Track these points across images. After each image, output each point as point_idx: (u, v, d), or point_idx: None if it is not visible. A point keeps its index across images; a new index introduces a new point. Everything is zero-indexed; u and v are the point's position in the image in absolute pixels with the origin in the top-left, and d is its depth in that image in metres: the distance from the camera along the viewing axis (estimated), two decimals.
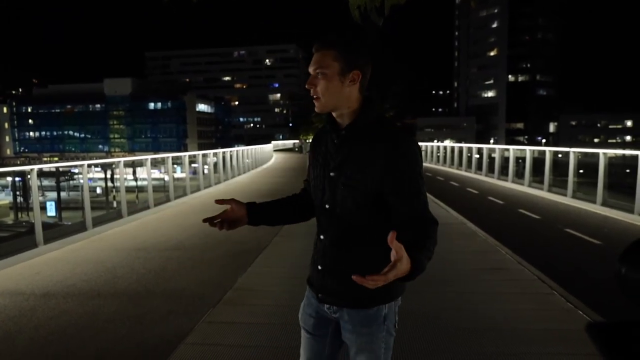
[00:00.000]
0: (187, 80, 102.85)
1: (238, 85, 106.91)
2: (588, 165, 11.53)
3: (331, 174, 1.42)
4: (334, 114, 1.44)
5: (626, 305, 0.41)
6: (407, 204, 1.32)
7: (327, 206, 1.44)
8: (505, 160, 16.45)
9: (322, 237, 1.47)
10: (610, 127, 75.32)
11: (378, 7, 2.04)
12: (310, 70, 1.39)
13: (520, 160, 15.43)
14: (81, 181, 8.65)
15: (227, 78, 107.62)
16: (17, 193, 29.17)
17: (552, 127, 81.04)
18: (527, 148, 14.44)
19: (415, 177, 1.33)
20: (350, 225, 1.41)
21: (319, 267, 1.47)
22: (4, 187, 35.75)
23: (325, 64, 1.36)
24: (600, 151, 10.16)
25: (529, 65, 79.95)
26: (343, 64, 1.36)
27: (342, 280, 1.37)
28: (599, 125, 76.02)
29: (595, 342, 0.34)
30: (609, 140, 71.72)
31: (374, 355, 1.46)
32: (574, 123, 76.45)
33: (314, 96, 1.40)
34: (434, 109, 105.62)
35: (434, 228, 1.29)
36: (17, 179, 27.90)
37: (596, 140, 72.96)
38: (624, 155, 14.20)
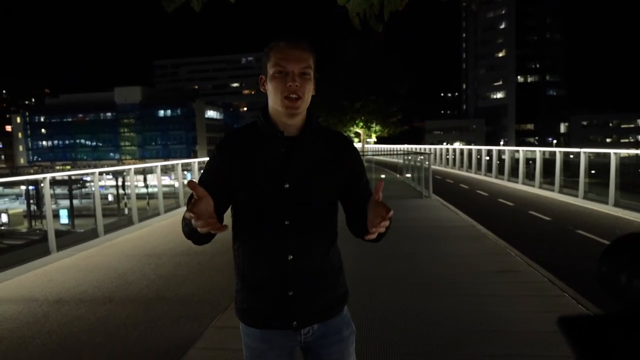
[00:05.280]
0: (196, 87, 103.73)
1: (246, 92, 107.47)
2: (600, 165, 11.40)
3: (286, 185, 1.29)
4: (284, 119, 1.31)
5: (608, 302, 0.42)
6: (365, 190, 1.42)
7: (286, 222, 1.30)
8: (516, 161, 16.33)
9: (290, 257, 1.30)
10: (623, 126, 74.34)
11: (377, 13, 2.06)
12: (294, 68, 1.27)
13: (530, 162, 15.31)
14: (93, 189, 8.77)
15: (235, 84, 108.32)
16: (31, 201, 29.63)
17: (562, 128, 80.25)
18: (537, 149, 14.32)
19: (364, 169, 1.48)
20: (317, 232, 1.36)
21: (290, 294, 1.32)
22: (18, 196, 36.33)
23: (310, 64, 1.30)
24: (612, 151, 10.04)
25: (538, 66, 79.37)
26: (315, 70, 1.34)
27: (322, 292, 1.37)
28: (610, 125, 75.09)
29: (567, 337, 0.34)
30: (621, 140, 70.75)
31: (354, 357, 1.49)
32: (585, 123, 75.62)
33: (296, 95, 1.28)
34: (442, 112, 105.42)
35: None
36: (30, 187, 28.37)
37: (608, 140, 72.05)
38: (637, 155, 14.03)
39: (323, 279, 1.37)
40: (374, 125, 33.75)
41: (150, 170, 13.44)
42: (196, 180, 1.25)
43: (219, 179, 1.31)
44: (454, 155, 25.17)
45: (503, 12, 78.39)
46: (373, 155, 29.27)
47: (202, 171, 1.40)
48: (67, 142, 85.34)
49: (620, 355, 0.33)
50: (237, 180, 1.30)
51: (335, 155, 1.37)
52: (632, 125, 74.18)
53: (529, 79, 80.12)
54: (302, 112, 1.32)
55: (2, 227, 27.01)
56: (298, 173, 1.30)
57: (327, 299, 1.38)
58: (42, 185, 6.76)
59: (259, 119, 1.35)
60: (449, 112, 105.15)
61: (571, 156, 13.03)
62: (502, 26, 79.05)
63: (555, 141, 73.48)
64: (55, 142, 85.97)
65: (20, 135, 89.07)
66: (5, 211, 28.89)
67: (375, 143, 41.54)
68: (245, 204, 1.32)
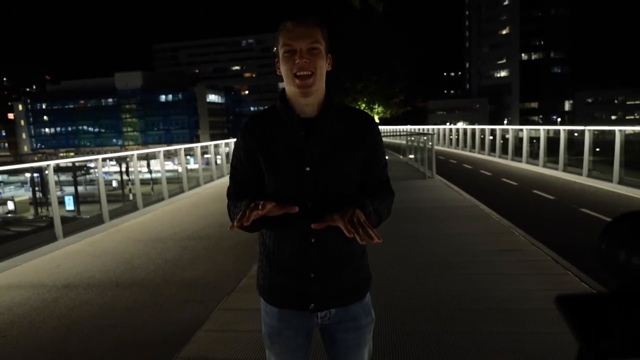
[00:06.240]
0: (196, 71, 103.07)
1: (247, 74, 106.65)
2: (604, 143, 11.31)
3: (307, 168, 1.28)
4: (300, 100, 1.30)
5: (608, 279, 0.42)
6: (380, 174, 1.40)
7: (309, 205, 1.28)
8: (519, 141, 16.24)
9: (313, 240, 1.30)
10: (628, 103, 73.39)
11: None
12: (302, 45, 1.24)
13: (534, 141, 15.21)
14: (97, 175, 8.81)
15: (236, 67, 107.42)
16: (36, 189, 29.83)
17: (567, 106, 79.40)
18: (541, 128, 14.21)
19: (384, 151, 1.43)
20: None
21: (312, 275, 1.32)
22: (23, 184, 36.56)
23: (318, 39, 1.27)
24: (617, 128, 9.95)
25: (542, 43, 78.12)
26: (326, 45, 1.30)
27: (343, 276, 1.36)
28: (616, 101, 74.14)
29: (565, 316, 0.34)
30: (627, 117, 69.99)
31: (370, 344, 1.46)
32: (590, 100, 74.73)
33: (308, 72, 1.25)
34: (445, 91, 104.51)
35: (391, 196, 1.40)
36: (35, 175, 28.51)
37: (613, 117, 71.27)
38: None
39: (344, 262, 1.36)
40: (376, 106, 33.53)
41: (153, 156, 13.46)
42: (222, 164, 1.28)
43: (252, 160, 1.33)
44: (457, 135, 25.04)
45: None
46: None
47: (231, 158, 1.42)
48: (69, 129, 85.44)
49: (617, 332, 0.33)
50: (262, 164, 1.32)
51: (356, 135, 1.33)
52: (638, 102, 73.23)
53: (533, 57, 78.94)
54: (317, 89, 1.29)
55: (9, 215, 27.25)
56: (318, 155, 1.29)
57: (347, 283, 1.37)
58: (46, 172, 6.79)
59: (277, 103, 1.35)
60: (452, 91, 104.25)
61: (575, 134, 12.94)
62: (506, 2, 77.58)
63: (559, 119, 72.79)
64: (58, 129, 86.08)
65: (22, 122, 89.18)
66: (12, 199, 29.10)
67: (378, 124, 41.42)
68: (269, 187, 1.33)
